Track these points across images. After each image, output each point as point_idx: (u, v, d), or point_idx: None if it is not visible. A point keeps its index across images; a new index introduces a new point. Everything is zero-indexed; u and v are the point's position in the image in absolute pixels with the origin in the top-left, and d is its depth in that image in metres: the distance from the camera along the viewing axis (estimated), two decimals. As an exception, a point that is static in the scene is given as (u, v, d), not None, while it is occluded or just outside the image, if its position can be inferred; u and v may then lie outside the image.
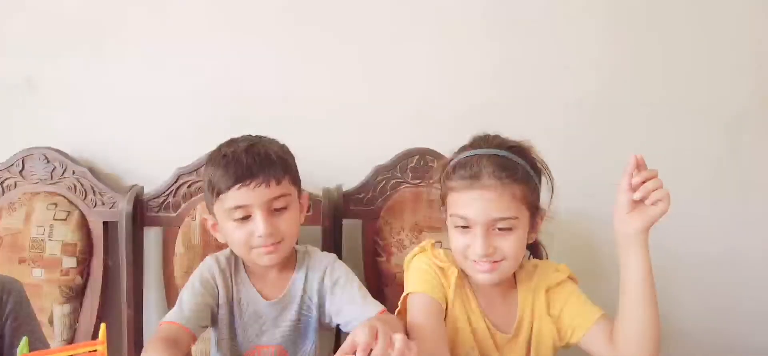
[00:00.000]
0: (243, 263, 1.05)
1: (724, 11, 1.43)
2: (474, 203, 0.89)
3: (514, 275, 0.99)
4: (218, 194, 0.98)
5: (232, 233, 0.99)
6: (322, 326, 1.06)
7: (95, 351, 0.58)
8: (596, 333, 0.93)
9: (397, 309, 0.97)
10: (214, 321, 1.03)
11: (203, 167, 1.10)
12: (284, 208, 1.00)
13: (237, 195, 0.96)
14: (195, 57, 1.37)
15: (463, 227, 0.91)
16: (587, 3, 1.40)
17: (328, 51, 1.38)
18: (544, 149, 1.40)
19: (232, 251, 1.06)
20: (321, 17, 1.37)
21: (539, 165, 0.96)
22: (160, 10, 1.36)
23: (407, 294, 0.95)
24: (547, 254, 1.07)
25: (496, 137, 0.96)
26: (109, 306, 1.34)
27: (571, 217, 1.44)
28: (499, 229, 0.89)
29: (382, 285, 1.32)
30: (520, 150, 0.94)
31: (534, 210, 0.94)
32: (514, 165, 0.91)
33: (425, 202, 1.31)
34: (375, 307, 0.99)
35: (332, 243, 1.29)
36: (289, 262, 1.05)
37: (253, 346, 1.04)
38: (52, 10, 1.35)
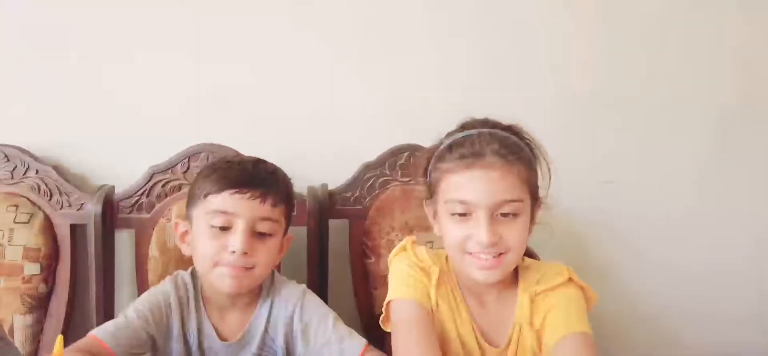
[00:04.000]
0: (202, 295, 0.96)
1: (713, 10, 1.42)
2: (475, 184, 0.79)
3: (517, 275, 0.89)
4: (207, 195, 0.90)
5: (202, 242, 0.90)
6: None
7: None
8: (559, 352, 0.80)
9: (381, 317, 0.90)
10: (157, 351, 0.93)
11: (199, 171, 1.02)
12: (268, 235, 0.92)
13: (227, 200, 0.89)
14: (167, 49, 1.29)
15: (461, 215, 0.81)
16: (575, 2, 1.39)
17: (309, 45, 1.32)
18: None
19: (192, 275, 0.97)
20: (303, 11, 1.31)
21: (535, 149, 0.88)
22: (129, -1, 1.27)
23: (390, 301, 0.87)
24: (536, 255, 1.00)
25: (488, 119, 0.86)
26: (77, 314, 1.25)
27: (561, 214, 1.42)
28: (503, 215, 0.80)
29: (371, 288, 1.26)
30: (518, 132, 0.86)
31: (535, 197, 0.85)
32: (517, 144, 0.83)
33: (415, 201, 1.25)
34: (356, 346, 0.91)
35: (318, 245, 1.22)
36: (252, 299, 0.96)
37: None
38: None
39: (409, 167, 1.26)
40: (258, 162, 0.96)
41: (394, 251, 0.94)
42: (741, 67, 1.46)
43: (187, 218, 0.96)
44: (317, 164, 1.31)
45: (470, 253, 0.82)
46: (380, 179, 1.28)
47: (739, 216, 1.49)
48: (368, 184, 1.28)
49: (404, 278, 0.87)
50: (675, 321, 1.49)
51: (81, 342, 0.84)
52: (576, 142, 1.41)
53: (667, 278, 1.48)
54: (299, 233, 1.22)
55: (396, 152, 1.29)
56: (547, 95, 1.40)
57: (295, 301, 0.95)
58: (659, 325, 1.50)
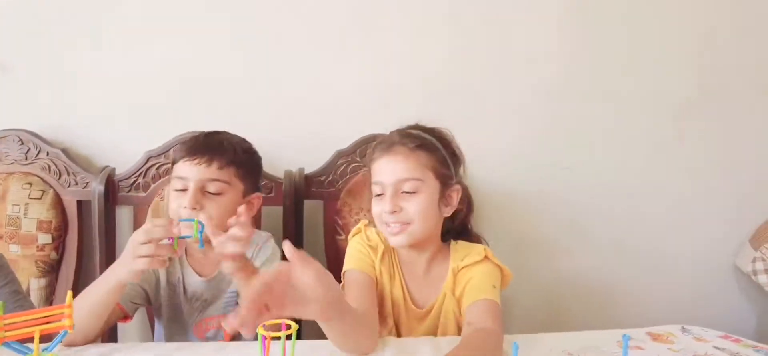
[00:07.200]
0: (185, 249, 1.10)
1: (672, 5, 1.51)
2: (386, 167, 1.02)
3: (449, 254, 1.07)
4: (173, 163, 1.09)
5: (170, 202, 1.06)
6: None
7: (63, 314, 0.66)
8: (469, 313, 0.97)
9: (341, 284, 1.06)
10: (151, 302, 1.10)
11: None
12: (219, 195, 1.05)
13: (182, 167, 1.06)
14: (161, 42, 1.42)
15: (378, 195, 1.02)
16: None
17: (293, 38, 1.44)
18: (502, 134, 1.49)
19: None
20: (286, 5, 1.42)
21: (455, 149, 1.07)
22: (129, -4, 1.40)
23: (344, 271, 1.06)
24: (486, 244, 1.12)
25: (418, 124, 1.08)
26: (83, 279, 1.42)
27: (526, 196, 1.54)
28: (405, 192, 1.00)
29: (341, 261, 1.38)
30: (434, 132, 1.06)
31: (445, 181, 1.03)
32: (421, 137, 1.03)
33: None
34: None
35: (293, 223, 1.37)
36: None
37: (200, 320, 1.12)
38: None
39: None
40: (212, 133, 1.11)
41: (352, 232, 1.13)
42: (698, 60, 1.55)
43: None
44: (296, 150, 1.44)
45: (386, 223, 1.02)
46: (351, 165, 1.42)
47: (696, 199, 1.59)
48: (340, 169, 1.42)
49: (356, 254, 1.07)
50: (620, 295, 1.60)
51: None
52: (542, 129, 1.52)
53: (627, 253, 1.59)
54: (276, 212, 1.37)
55: (366, 141, 1.42)
56: (517, 84, 1.50)
57: (258, 242, 1.11)
58: (605, 299, 1.61)
